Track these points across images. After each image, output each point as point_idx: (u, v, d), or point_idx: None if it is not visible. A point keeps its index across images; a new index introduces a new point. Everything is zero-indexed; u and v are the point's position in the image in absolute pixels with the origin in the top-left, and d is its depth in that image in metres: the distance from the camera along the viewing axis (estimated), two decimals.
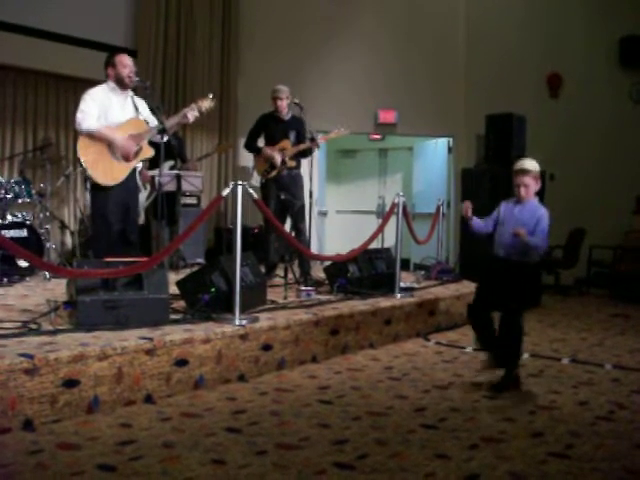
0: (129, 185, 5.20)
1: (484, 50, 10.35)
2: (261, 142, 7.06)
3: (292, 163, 6.83)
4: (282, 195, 6.74)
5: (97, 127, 5.01)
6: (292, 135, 6.85)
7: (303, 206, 6.88)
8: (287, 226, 6.98)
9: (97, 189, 5.11)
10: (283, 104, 6.82)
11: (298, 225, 6.84)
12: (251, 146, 7.05)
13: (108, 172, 5.04)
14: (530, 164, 4.29)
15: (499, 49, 10.28)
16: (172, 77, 9.09)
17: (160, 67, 8.91)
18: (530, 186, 4.26)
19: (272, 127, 6.92)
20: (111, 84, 5.20)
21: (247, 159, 9.64)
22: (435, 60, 10.37)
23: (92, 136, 5.01)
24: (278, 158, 6.75)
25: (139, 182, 5.43)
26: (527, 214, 4.26)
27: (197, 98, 5.45)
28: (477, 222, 4.49)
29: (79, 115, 5.04)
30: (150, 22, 8.80)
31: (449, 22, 10.51)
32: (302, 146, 6.80)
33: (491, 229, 4.44)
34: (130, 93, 5.28)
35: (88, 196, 5.34)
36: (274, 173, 6.81)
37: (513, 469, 2.97)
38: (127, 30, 8.75)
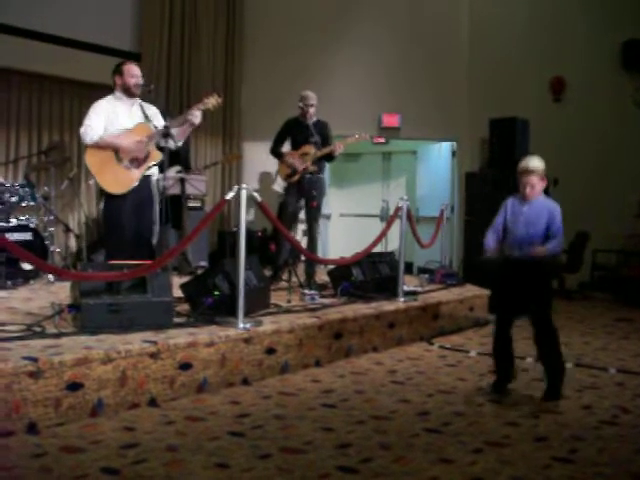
0: (142, 192, 5.17)
1: (487, 54, 10.35)
2: (287, 146, 7.07)
3: (313, 168, 6.79)
4: (302, 200, 6.79)
5: (100, 136, 5.02)
6: (316, 139, 6.80)
7: (319, 207, 6.87)
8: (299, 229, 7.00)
9: (110, 195, 5.11)
10: (311, 111, 6.80)
11: (311, 225, 6.83)
12: (275, 151, 7.04)
13: (117, 180, 5.03)
14: (535, 163, 4.23)
15: (502, 53, 10.28)
16: (176, 81, 9.11)
17: (164, 71, 8.93)
18: (536, 185, 4.22)
19: (296, 132, 6.91)
20: (118, 93, 5.21)
21: (250, 162, 9.67)
22: (438, 64, 10.36)
23: (98, 146, 5.03)
24: (298, 166, 6.74)
25: (154, 190, 5.36)
26: (539, 213, 4.21)
27: (203, 95, 5.42)
28: (494, 240, 4.32)
29: (82, 129, 5.06)
30: (154, 26, 8.82)
31: (452, 26, 10.51)
32: (323, 151, 6.75)
33: (502, 230, 4.34)
34: (138, 100, 5.28)
35: (101, 202, 5.31)
36: (296, 177, 6.80)
37: (517, 473, 2.97)
38: (131, 34, 8.77)
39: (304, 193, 6.78)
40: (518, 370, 4.44)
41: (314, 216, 6.84)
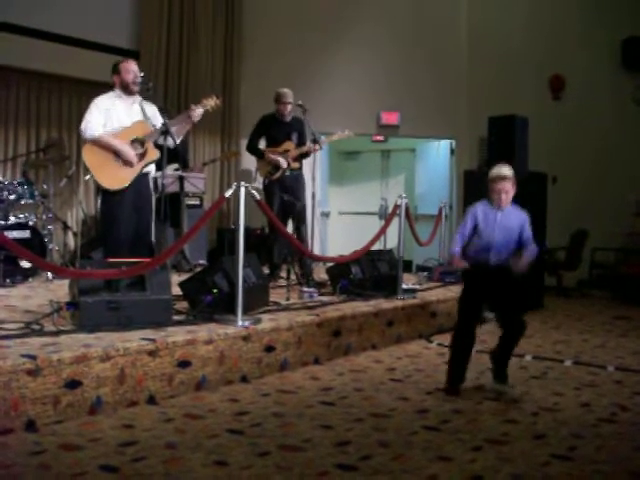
0: (140, 188, 5.18)
1: (486, 52, 10.34)
2: (262, 143, 7.06)
3: (296, 165, 6.83)
4: (285, 196, 6.74)
5: (100, 134, 5.03)
6: (294, 136, 6.84)
7: (304, 207, 6.87)
8: (289, 227, 6.97)
9: (108, 192, 5.10)
10: (287, 108, 6.81)
11: (299, 226, 6.83)
12: (254, 149, 7.04)
13: (113, 176, 5.04)
14: (508, 170, 4.25)
15: (501, 51, 10.27)
16: (175, 79, 9.09)
17: (163, 69, 8.91)
18: (510, 192, 4.22)
19: (274, 129, 6.91)
20: (117, 91, 5.22)
21: (250, 161, 9.65)
22: (438, 62, 10.36)
23: (97, 142, 5.03)
24: (284, 162, 6.74)
25: (151, 186, 5.38)
26: (512, 220, 4.21)
27: (202, 97, 5.44)
28: (460, 245, 4.28)
29: (83, 124, 5.07)
30: (153, 25, 8.80)
31: (451, 24, 10.51)
32: (305, 148, 6.80)
33: (467, 237, 4.28)
34: (138, 98, 5.28)
35: (99, 199, 5.32)
36: (278, 175, 6.80)
37: (515, 471, 2.97)
38: (130, 32, 8.75)
39: (286, 190, 6.78)
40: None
41: (301, 216, 6.82)
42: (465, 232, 4.30)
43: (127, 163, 5.05)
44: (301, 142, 6.84)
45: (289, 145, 6.81)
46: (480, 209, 4.31)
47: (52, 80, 8.04)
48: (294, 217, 6.87)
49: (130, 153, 5.04)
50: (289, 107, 6.80)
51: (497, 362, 4.31)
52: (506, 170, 4.24)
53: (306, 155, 6.95)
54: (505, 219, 4.21)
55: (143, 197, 5.23)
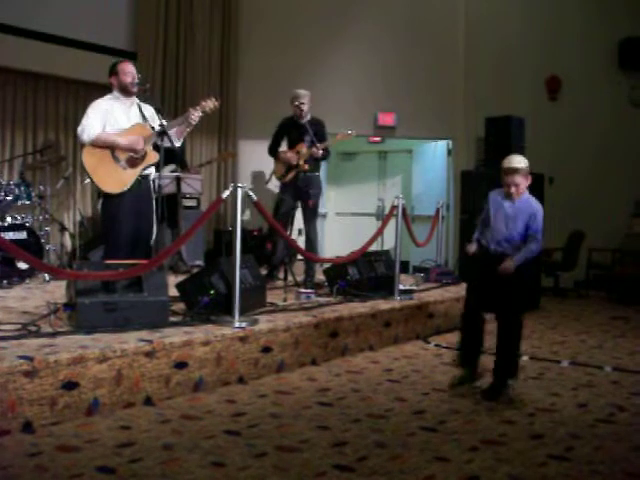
0: (141, 191, 5.14)
1: (483, 53, 10.36)
2: (284, 146, 7.05)
3: (305, 167, 6.75)
4: (298, 199, 6.75)
5: (98, 133, 4.99)
6: (307, 139, 6.76)
7: (315, 209, 6.82)
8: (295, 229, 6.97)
9: (108, 195, 5.08)
10: (303, 109, 6.75)
11: (306, 230, 6.78)
12: (272, 151, 7.03)
13: (111, 179, 5.00)
14: (519, 162, 4.20)
15: (498, 52, 10.29)
16: (172, 79, 9.09)
17: (160, 70, 8.91)
18: (521, 184, 4.18)
19: (290, 131, 6.89)
20: (115, 93, 5.19)
21: (248, 162, 9.66)
22: (435, 63, 10.36)
23: (95, 145, 5.00)
24: (293, 158, 6.71)
25: (152, 190, 5.34)
26: (519, 212, 4.18)
27: (200, 99, 5.41)
28: (479, 232, 4.40)
29: (80, 128, 5.03)
30: (150, 25, 8.80)
31: (449, 25, 10.51)
32: (313, 150, 6.69)
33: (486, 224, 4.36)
34: (136, 100, 5.26)
35: (99, 202, 5.28)
36: (291, 176, 6.78)
37: (513, 471, 2.97)
38: (127, 33, 8.74)
39: (300, 192, 6.76)
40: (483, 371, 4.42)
41: (310, 217, 6.79)
42: (482, 219, 4.34)
43: (129, 161, 5.00)
44: (314, 144, 6.76)
45: (301, 147, 6.76)
46: (493, 197, 4.32)
47: (49, 81, 8.03)
48: (303, 217, 6.84)
49: (132, 138, 4.99)
50: (304, 107, 6.72)
51: (495, 370, 4.27)
52: (517, 162, 4.19)
53: (322, 157, 6.85)
54: (512, 210, 4.20)
55: (144, 200, 5.18)
